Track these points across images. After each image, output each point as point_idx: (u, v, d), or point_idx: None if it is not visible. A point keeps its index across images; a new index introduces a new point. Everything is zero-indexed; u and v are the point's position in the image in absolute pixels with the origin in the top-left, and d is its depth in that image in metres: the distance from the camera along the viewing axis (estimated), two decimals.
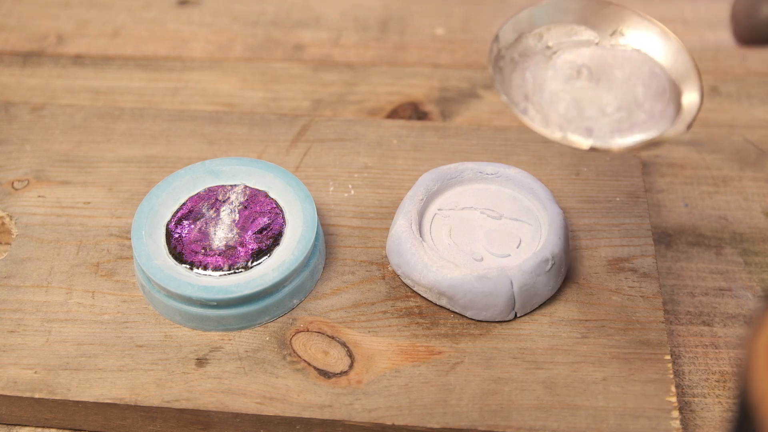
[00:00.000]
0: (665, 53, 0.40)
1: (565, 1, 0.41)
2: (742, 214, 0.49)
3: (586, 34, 0.41)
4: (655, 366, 0.39)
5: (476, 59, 0.60)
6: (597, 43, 0.41)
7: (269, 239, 0.42)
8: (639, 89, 0.39)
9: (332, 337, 0.41)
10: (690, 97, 0.39)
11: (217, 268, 0.41)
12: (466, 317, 0.41)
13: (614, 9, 0.41)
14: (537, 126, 0.38)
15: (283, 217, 0.43)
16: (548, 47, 0.40)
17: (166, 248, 0.42)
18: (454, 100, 0.57)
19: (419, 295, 0.42)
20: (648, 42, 0.40)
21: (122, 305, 0.42)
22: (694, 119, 0.38)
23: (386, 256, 0.44)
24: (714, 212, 0.49)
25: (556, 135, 0.37)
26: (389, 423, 0.37)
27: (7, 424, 0.41)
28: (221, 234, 0.42)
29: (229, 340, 0.41)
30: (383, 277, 0.43)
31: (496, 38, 0.40)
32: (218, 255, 0.42)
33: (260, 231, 0.43)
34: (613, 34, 0.41)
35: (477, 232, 0.44)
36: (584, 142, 0.37)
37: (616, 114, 0.38)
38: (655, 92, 0.39)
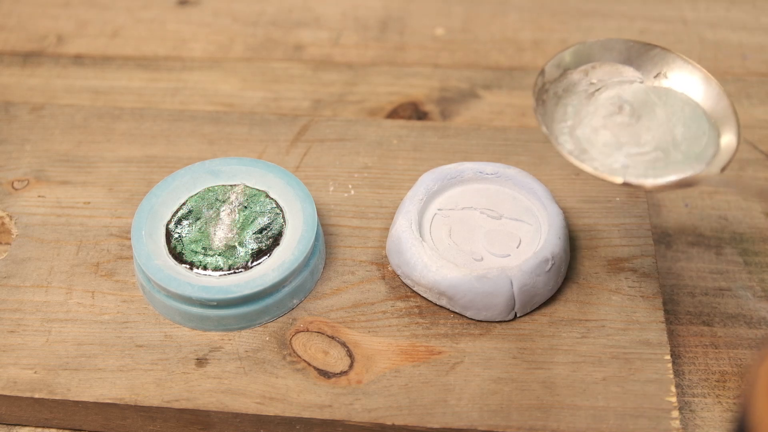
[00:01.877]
0: (706, 97, 0.41)
1: (611, 41, 0.42)
2: (742, 214, 0.49)
3: (631, 74, 0.42)
4: (655, 366, 0.39)
5: (476, 59, 0.60)
6: (641, 83, 0.41)
7: (269, 239, 0.42)
8: (679, 129, 0.39)
9: (332, 337, 0.41)
10: (727, 140, 0.39)
11: (217, 268, 0.41)
12: (466, 317, 0.41)
13: (659, 52, 0.42)
14: (574, 159, 0.38)
15: (283, 217, 0.43)
16: (592, 84, 0.41)
17: (166, 248, 0.42)
18: (454, 100, 0.57)
19: (419, 295, 0.42)
20: (690, 85, 0.41)
21: (122, 305, 0.42)
22: (729, 162, 0.38)
23: (386, 256, 0.44)
24: (714, 212, 0.49)
25: (591, 169, 0.38)
26: (389, 423, 0.37)
27: (7, 424, 0.41)
28: (221, 234, 0.42)
29: (229, 340, 0.41)
30: (383, 277, 0.43)
31: (542, 72, 0.40)
32: (218, 255, 0.42)
33: (260, 231, 0.43)
34: (657, 76, 0.42)
35: (477, 232, 0.44)
36: (618, 178, 0.38)
37: (652, 153, 0.39)
38: (694, 134, 0.39)
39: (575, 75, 0.41)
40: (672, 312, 0.44)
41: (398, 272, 0.43)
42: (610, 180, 0.38)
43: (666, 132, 0.40)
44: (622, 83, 0.41)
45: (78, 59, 0.60)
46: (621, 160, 0.38)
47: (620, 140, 0.39)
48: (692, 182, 0.38)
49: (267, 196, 0.44)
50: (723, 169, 0.38)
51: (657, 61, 0.42)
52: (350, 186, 0.48)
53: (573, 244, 0.44)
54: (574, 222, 0.46)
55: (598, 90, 0.41)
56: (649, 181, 0.38)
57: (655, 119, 0.40)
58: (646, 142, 0.39)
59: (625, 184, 0.38)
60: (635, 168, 0.38)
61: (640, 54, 0.42)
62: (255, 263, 0.42)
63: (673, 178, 0.38)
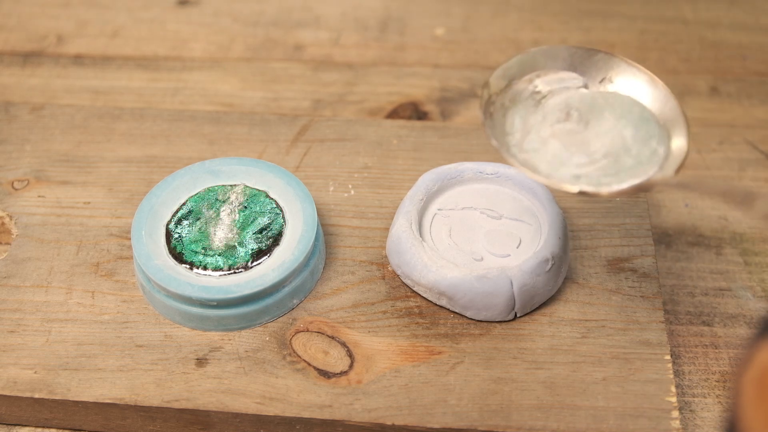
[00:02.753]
0: (653, 99, 0.40)
1: (555, 48, 0.42)
2: (742, 214, 0.49)
3: (576, 80, 0.41)
4: (655, 366, 0.39)
5: (476, 59, 0.60)
6: (586, 88, 0.41)
7: (269, 239, 0.42)
8: (628, 132, 0.39)
9: (332, 337, 0.41)
10: (678, 142, 0.39)
11: (217, 268, 0.41)
12: (466, 317, 0.41)
13: (603, 57, 0.41)
14: (526, 171, 0.38)
15: (283, 217, 0.43)
16: (537, 92, 0.41)
17: (166, 248, 0.42)
18: (454, 100, 0.57)
19: (419, 295, 0.42)
20: (637, 88, 0.41)
21: (122, 305, 0.42)
22: (683, 164, 0.38)
23: (386, 256, 0.44)
24: (714, 212, 0.49)
25: (544, 180, 0.38)
26: (389, 423, 0.37)
27: (7, 424, 0.41)
28: (221, 234, 0.42)
29: (229, 340, 0.41)
30: (383, 277, 0.43)
31: (487, 84, 0.40)
32: (218, 255, 0.42)
33: (260, 231, 0.43)
34: (602, 81, 0.41)
35: (477, 232, 0.44)
36: (573, 188, 0.37)
37: (603, 160, 0.38)
38: (643, 137, 0.39)
39: (520, 85, 0.41)
40: (672, 312, 0.44)
41: (398, 272, 0.43)
42: (565, 190, 0.37)
43: (615, 137, 0.39)
44: (568, 89, 0.41)
45: (78, 59, 0.60)
46: (572, 171, 0.38)
47: (570, 149, 0.39)
48: (648, 187, 0.38)
49: (267, 196, 0.44)
50: (677, 171, 0.38)
51: (601, 66, 0.41)
52: (350, 186, 0.48)
53: (573, 244, 0.44)
54: (574, 222, 0.46)
55: (544, 98, 0.41)
56: (604, 189, 0.37)
57: (604, 124, 0.40)
58: (596, 150, 0.39)
59: (581, 193, 0.37)
60: (588, 177, 0.38)
61: (584, 60, 0.41)
62: (255, 263, 0.42)
63: (627, 184, 0.38)
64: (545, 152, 0.39)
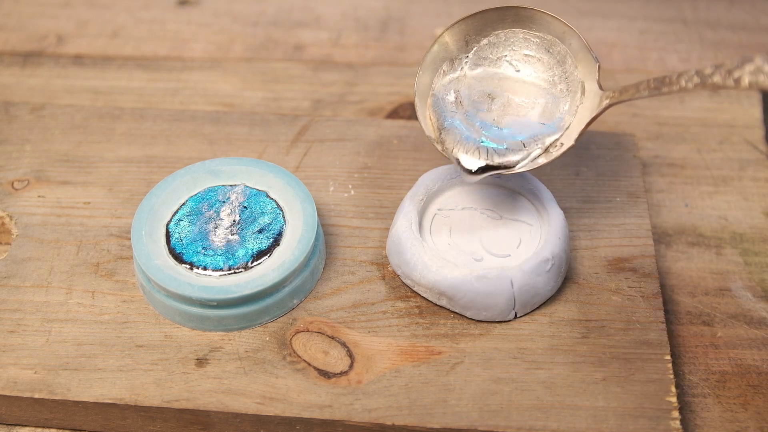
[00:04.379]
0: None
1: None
2: (742, 214, 0.49)
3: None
4: (655, 366, 0.39)
5: None
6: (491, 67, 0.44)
7: (269, 239, 0.42)
8: (535, 111, 0.43)
9: (332, 337, 0.41)
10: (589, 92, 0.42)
11: (217, 268, 0.41)
12: (466, 317, 0.41)
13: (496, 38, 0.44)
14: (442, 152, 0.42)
15: (283, 217, 0.43)
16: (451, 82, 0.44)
17: (166, 248, 0.42)
18: None
19: (419, 295, 0.42)
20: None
21: (122, 305, 0.42)
22: (584, 130, 0.41)
23: (386, 256, 0.44)
24: (714, 212, 0.49)
25: (453, 160, 0.42)
26: (389, 423, 0.37)
27: (7, 424, 0.41)
28: (221, 234, 0.42)
29: (229, 340, 0.41)
30: (383, 277, 0.43)
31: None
32: (218, 255, 0.42)
33: (260, 231, 0.43)
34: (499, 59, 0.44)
35: (477, 232, 0.44)
36: (475, 164, 0.41)
37: (511, 138, 0.42)
38: (548, 106, 0.42)
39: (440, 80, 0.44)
40: (672, 312, 0.44)
41: (398, 272, 0.43)
42: (469, 166, 0.41)
43: (521, 113, 0.42)
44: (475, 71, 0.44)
45: (78, 59, 0.60)
46: (479, 148, 0.42)
47: (477, 130, 0.42)
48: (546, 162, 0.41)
49: (267, 196, 0.44)
50: (577, 139, 0.41)
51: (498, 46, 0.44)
52: (350, 186, 0.48)
53: (573, 244, 0.44)
54: (574, 222, 0.46)
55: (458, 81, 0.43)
56: (514, 166, 0.41)
57: (511, 103, 0.43)
58: (507, 125, 0.42)
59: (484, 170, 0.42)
60: (494, 154, 0.41)
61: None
62: (255, 263, 0.42)
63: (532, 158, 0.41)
64: (453, 133, 0.42)
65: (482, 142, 0.41)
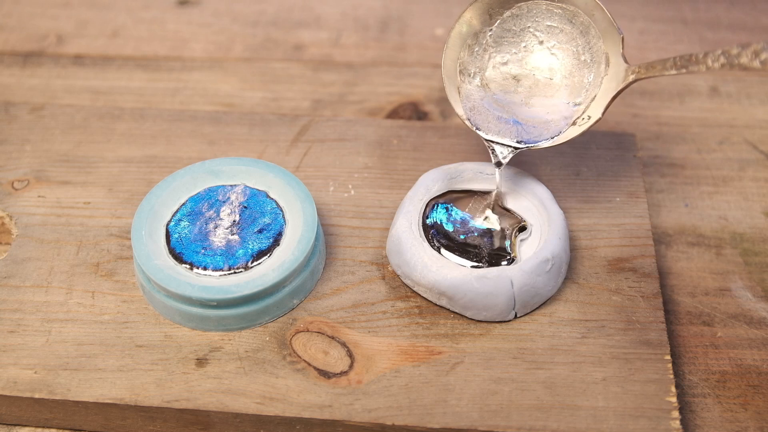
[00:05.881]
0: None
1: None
2: (742, 214, 0.49)
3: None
4: (655, 366, 0.39)
5: None
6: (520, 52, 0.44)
7: (269, 239, 0.42)
8: (564, 90, 0.43)
9: (332, 337, 0.41)
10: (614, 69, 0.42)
11: (217, 268, 0.41)
12: (466, 317, 0.41)
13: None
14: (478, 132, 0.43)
15: (283, 217, 0.43)
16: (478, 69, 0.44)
17: (166, 248, 0.42)
18: None
19: (419, 295, 0.42)
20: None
21: (122, 305, 0.42)
22: (610, 103, 0.42)
23: (386, 256, 0.44)
24: (714, 212, 0.49)
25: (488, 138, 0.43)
26: (389, 423, 0.37)
27: (7, 424, 0.41)
28: (221, 234, 0.42)
29: (229, 340, 0.41)
30: (383, 277, 0.43)
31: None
32: (218, 255, 0.42)
33: (260, 231, 0.43)
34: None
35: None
36: (506, 151, 0.42)
37: (544, 116, 0.42)
38: (576, 85, 0.43)
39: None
40: (672, 312, 0.44)
41: (398, 272, 0.43)
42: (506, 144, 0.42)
43: (551, 92, 0.43)
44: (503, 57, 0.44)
45: (78, 59, 0.60)
46: (512, 129, 0.42)
47: (510, 111, 0.43)
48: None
49: (267, 196, 0.44)
50: (604, 112, 0.41)
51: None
52: (350, 186, 0.48)
53: (573, 244, 0.44)
54: (574, 222, 0.46)
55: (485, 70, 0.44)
56: (545, 142, 0.42)
57: (539, 83, 0.43)
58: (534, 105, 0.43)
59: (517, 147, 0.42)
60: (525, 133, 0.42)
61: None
62: (255, 263, 0.42)
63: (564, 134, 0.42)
64: (488, 114, 0.43)
65: (513, 122, 0.42)
